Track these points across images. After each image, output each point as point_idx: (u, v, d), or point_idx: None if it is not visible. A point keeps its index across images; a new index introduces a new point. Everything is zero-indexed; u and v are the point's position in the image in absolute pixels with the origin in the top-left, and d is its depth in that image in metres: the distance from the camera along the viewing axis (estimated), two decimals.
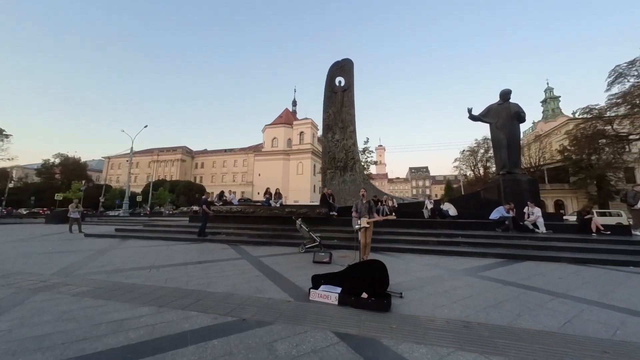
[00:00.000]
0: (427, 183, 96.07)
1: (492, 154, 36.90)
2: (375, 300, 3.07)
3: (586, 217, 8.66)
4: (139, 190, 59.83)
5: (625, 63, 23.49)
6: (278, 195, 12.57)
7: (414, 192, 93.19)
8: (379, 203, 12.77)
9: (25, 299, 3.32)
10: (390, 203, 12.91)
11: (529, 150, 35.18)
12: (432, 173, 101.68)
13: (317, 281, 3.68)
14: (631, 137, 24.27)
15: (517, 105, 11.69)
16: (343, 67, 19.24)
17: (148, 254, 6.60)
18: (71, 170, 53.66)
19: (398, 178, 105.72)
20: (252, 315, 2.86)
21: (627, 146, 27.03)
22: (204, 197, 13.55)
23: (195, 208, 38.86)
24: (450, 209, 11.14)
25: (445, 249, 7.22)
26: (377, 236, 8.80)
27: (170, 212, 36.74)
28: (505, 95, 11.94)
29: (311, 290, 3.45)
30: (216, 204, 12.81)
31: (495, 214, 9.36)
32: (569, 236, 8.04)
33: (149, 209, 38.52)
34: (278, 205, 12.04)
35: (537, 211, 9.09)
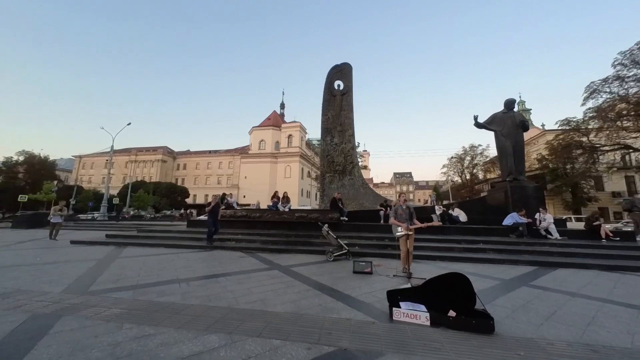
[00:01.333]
0: (411, 188, 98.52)
1: (478, 161, 38.88)
2: (479, 320, 2.75)
3: (595, 223, 8.96)
4: (114, 192, 56.20)
5: (599, 80, 25.36)
6: (286, 199, 12.06)
7: (386, 197, 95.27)
8: (389, 208, 12.66)
9: (49, 327, 2.67)
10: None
11: None
12: (415, 179, 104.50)
13: (394, 297, 3.31)
14: (605, 148, 26.14)
15: (521, 114, 12.09)
16: (342, 71, 19.15)
17: (162, 265, 5.88)
18: (37, 169, 49.20)
19: (383, 183, 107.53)
20: (349, 342, 2.44)
21: (599, 157, 29.12)
22: (228, 199, 12.73)
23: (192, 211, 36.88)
24: (461, 214, 11.19)
25: (473, 256, 7.12)
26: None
27: (153, 216, 34.56)
28: (510, 104, 12.32)
29: (394, 309, 3.08)
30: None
31: (508, 220, 9.47)
32: (583, 242, 8.26)
33: (131, 212, 36.09)
34: (287, 209, 11.51)
35: (549, 217, 9.31)
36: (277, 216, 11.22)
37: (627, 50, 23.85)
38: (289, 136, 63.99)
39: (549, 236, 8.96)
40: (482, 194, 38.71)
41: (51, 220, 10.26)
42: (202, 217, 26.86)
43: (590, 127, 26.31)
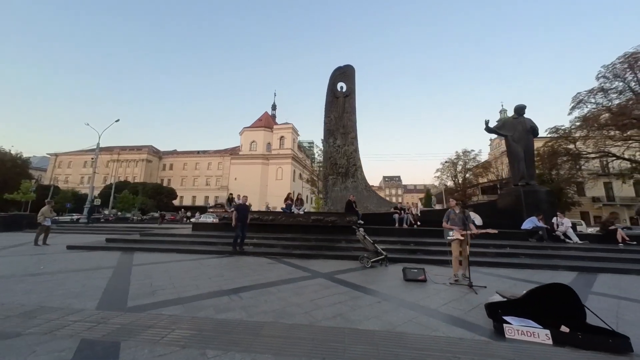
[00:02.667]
0: (400, 192, 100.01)
1: (470, 166, 39.88)
2: (616, 339, 2.49)
3: (611, 228, 9.16)
4: (95, 192, 53.16)
5: (585, 91, 26.72)
6: (300, 201, 11.60)
7: (388, 200, 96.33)
8: (403, 211, 12.49)
9: (115, 358, 2.15)
10: (413, 211, 12.69)
11: (497, 163, 38.27)
12: (403, 182, 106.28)
13: (494, 311, 3.01)
14: (590, 155, 27.50)
15: (530, 120, 12.32)
16: (345, 73, 19.06)
17: (191, 274, 5.29)
18: (9, 167, 45.60)
19: (373, 186, 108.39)
20: None
21: (582, 164, 30.63)
22: (237, 201, 11.90)
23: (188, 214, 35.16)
24: (476, 218, 11.11)
25: (507, 260, 7.01)
26: (426, 247, 8.39)
27: (140, 218, 32.74)
28: (520, 110, 12.54)
29: (505, 325, 2.76)
30: (228, 210, 11.38)
31: (528, 224, 9.50)
32: (603, 247, 8.37)
33: (115, 214, 34.05)
34: (302, 212, 11.03)
35: (567, 222, 9.43)
36: (291, 219, 10.73)
37: (610, 64, 25.27)
38: (281, 138, 63.23)
39: (568, 240, 9.04)
40: (475, 199, 39.88)
41: (44, 223, 9.19)
42: (204, 219, 25.84)
43: (577, 135, 27.62)
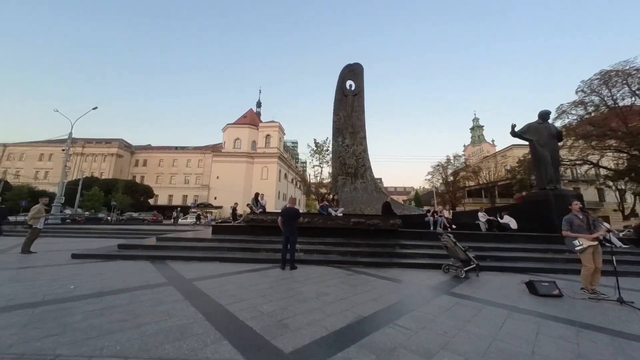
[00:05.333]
0: None
1: (458, 169, 41.47)
2: None
3: None
4: (52, 188, 47.26)
5: (567, 103, 28.82)
6: (336, 202, 10.69)
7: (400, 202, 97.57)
8: (435, 214, 12.11)
9: None
10: (446, 214, 12.36)
11: (484, 170, 40.28)
12: (385, 184, 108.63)
13: None
14: (564, 162, 29.69)
15: (554, 126, 12.64)
16: (354, 71, 18.62)
17: (282, 292, 4.25)
18: None
19: None
20: None
21: (563, 171, 33.11)
22: (261, 202, 10.49)
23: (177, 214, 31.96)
24: (511, 222, 11.08)
25: (577, 267, 6.75)
26: (490, 253, 7.97)
27: (116, 219, 29.33)
28: (545, 115, 12.80)
29: None
30: (255, 210, 10.14)
31: None
32: None
33: (86, 213, 30.24)
34: (340, 214, 10.14)
35: (606, 226, 9.60)
36: (329, 222, 9.81)
37: (588, 80, 27.45)
38: (267, 136, 61.29)
39: (607, 245, 9.17)
40: (465, 203, 41.49)
41: (36, 226, 7.33)
42: (208, 221, 23.38)
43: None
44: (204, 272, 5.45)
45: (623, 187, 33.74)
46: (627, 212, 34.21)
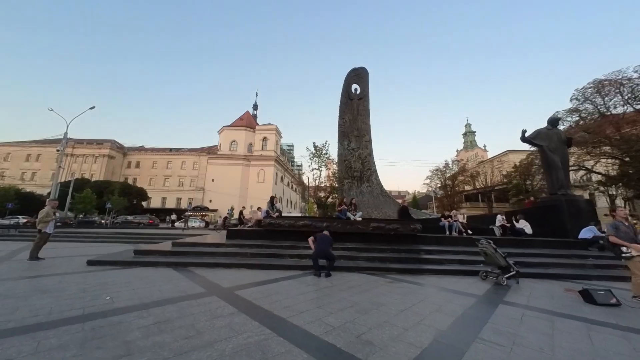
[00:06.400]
0: None
1: (455, 173, 41.98)
2: None
3: None
4: (40, 190, 45.55)
5: (563, 110, 29.62)
6: (354, 206, 10.51)
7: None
8: (450, 218, 12.06)
9: None
10: (460, 218, 12.32)
11: (481, 174, 40.90)
12: None
13: None
14: (573, 168, 30.41)
15: (563, 131, 12.86)
16: (359, 75, 18.66)
17: (334, 301, 4.03)
18: None
19: None
20: None
21: None
22: (277, 206, 10.03)
23: (174, 217, 31.09)
24: (526, 226, 11.10)
25: (613, 273, 6.77)
26: (523, 258, 7.90)
27: (111, 223, 28.30)
28: (555, 121, 13.03)
29: None
30: (272, 214, 9.86)
31: (587, 234, 9.56)
32: None
33: (80, 216, 29.10)
34: (359, 218, 9.95)
35: None
36: (348, 226, 9.60)
37: (582, 88, 28.31)
38: (264, 139, 60.79)
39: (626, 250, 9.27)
40: (462, 207, 41.94)
41: (45, 230, 6.86)
42: (191, 223, 22.46)
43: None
44: (238, 280, 5.16)
45: (614, 192, 34.79)
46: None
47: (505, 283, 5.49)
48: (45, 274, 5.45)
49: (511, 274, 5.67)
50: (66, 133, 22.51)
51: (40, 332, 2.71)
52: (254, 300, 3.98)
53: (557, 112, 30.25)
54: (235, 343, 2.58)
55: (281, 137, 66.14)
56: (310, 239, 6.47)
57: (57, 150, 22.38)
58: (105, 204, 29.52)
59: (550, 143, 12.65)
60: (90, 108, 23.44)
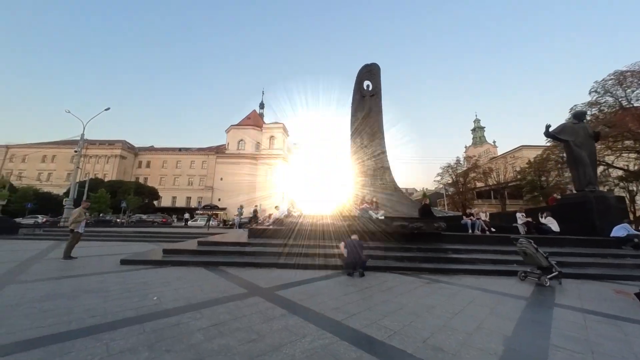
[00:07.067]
0: None
1: (471, 168, 41.28)
2: None
3: None
4: (56, 190, 46.66)
5: (581, 104, 28.65)
6: (376, 204, 10.39)
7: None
8: (472, 216, 11.82)
9: None
10: (483, 216, 12.05)
11: (494, 170, 40.11)
12: None
13: None
14: None
15: (590, 126, 12.41)
16: (371, 71, 18.34)
17: (380, 302, 3.94)
18: None
19: None
20: None
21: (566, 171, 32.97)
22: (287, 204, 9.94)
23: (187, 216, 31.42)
24: (553, 224, 10.76)
25: None
26: (556, 258, 7.67)
27: (127, 221, 28.85)
28: (581, 115, 12.60)
29: None
30: (294, 214, 9.82)
31: (620, 232, 9.22)
32: None
33: (99, 215, 29.75)
34: (381, 217, 9.82)
35: None
36: (371, 225, 9.48)
37: (601, 80, 27.35)
38: (271, 137, 60.93)
39: None
40: (475, 204, 41.29)
41: (77, 230, 6.97)
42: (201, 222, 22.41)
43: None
44: (274, 281, 5.11)
45: (634, 188, 33.67)
46: (638, 213, 34.08)
47: (548, 284, 5.31)
48: (83, 274, 5.51)
49: (554, 274, 5.48)
50: (83, 134, 22.91)
51: (103, 333, 2.70)
52: (299, 301, 3.91)
53: (575, 105, 29.35)
54: (301, 347, 2.51)
55: (288, 135, 66.14)
56: (342, 245, 6.38)
57: (75, 152, 22.82)
58: (120, 203, 30.02)
59: (576, 138, 12.23)
60: (106, 109, 23.80)
